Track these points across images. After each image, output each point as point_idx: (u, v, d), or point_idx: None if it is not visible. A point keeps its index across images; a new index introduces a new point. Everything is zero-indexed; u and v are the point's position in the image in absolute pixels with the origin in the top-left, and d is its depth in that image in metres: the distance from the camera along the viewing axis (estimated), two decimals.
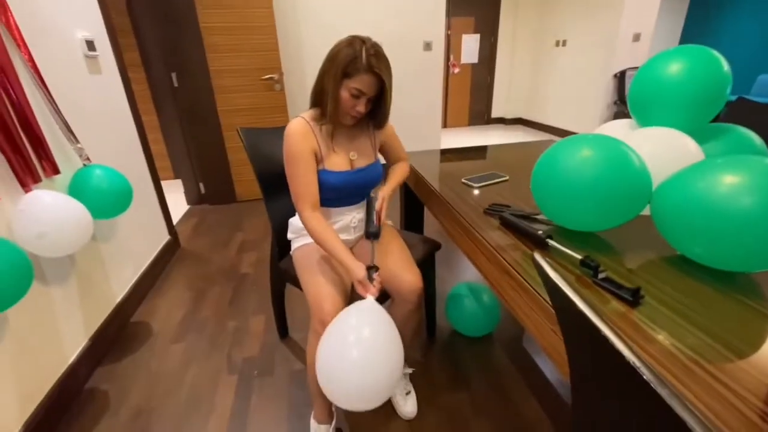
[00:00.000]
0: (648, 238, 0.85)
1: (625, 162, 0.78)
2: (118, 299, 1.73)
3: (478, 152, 1.70)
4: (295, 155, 1.08)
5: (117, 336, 1.67)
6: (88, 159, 1.49)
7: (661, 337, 0.58)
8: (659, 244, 0.82)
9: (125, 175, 1.57)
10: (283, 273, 1.35)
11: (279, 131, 1.14)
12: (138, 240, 1.99)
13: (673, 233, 0.76)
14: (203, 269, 2.21)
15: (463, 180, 1.27)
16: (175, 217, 2.94)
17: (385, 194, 1.17)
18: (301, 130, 1.09)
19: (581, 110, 4.76)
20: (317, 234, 1.07)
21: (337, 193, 1.16)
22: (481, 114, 6.24)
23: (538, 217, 0.95)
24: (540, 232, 0.82)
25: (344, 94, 1.02)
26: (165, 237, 2.33)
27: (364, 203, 1.26)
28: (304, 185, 1.08)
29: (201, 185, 3.15)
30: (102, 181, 1.47)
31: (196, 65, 2.75)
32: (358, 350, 0.83)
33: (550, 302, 0.68)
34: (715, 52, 0.94)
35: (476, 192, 1.19)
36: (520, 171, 1.38)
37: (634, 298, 0.63)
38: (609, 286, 0.67)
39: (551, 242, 0.80)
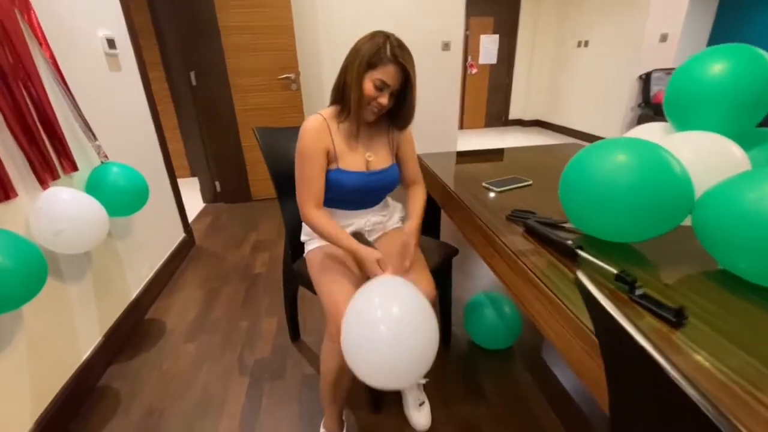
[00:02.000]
0: (688, 250, 0.79)
1: (666, 168, 0.72)
2: (134, 296, 1.74)
3: (498, 155, 1.65)
4: (306, 153, 1.06)
5: (131, 333, 1.67)
6: (105, 156, 1.49)
7: (705, 360, 0.53)
8: (700, 257, 0.75)
9: (142, 173, 1.58)
10: (296, 275, 1.32)
11: (294, 131, 1.11)
12: (154, 237, 2.00)
13: (716, 246, 0.70)
14: (217, 268, 2.21)
15: (483, 184, 1.22)
16: (191, 215, 2.96)
17: (411, 232, 1.09)
18: (316, 128, 1.06)
19: (603, 113, 4.63)
20: (323, 229, 1.06)
21: (350, 194, 1.13)
22: (498, 115, 6.13)
23: (565, 225, 0.90)
24: (569, 241, 0.77)
25: (368, 85, 1.00)
26: (180, 235, 2.34)
27: (379, 206, 1.22)
28: (308, 183, 1.07)
29: (217, 184, 3.16)
30: (119, 178, 1.47)
31: (214, 64, 2.77)
32: (388, 326, 0.77)
33: (583, 320, 0.63)
34: (762, 51, 0.88)
35: (497, 196, 1.14)
36: (544, 175, 1.32)
37: (677, 319, 0.58)
38: (648, 304, 0.62)
39: (582, 253, 0.75)
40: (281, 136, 1.31)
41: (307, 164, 1.06)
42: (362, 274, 1.12)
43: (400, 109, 1.09)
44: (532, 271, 0.77)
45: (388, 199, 1.28)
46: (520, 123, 6.16)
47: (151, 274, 1.92)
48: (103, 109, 1.63)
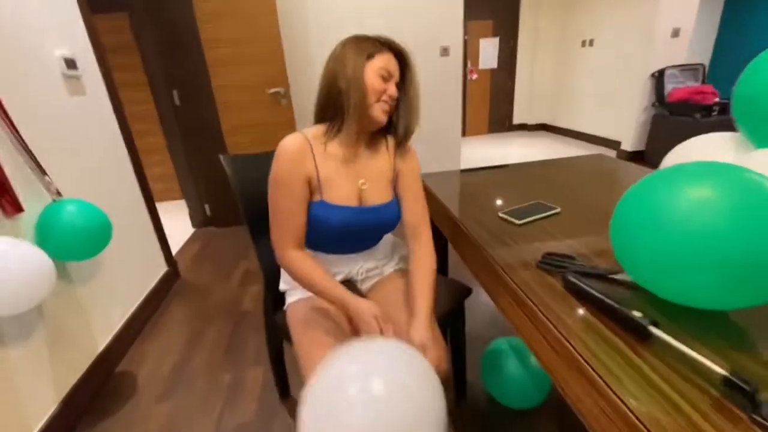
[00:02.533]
0: None
1: None
2: (101, 348, 1.53)
3: (511, 172, 1.42)
4: (282, 179, 0.85)
5: (97, 392, 1.45)
6: (58, 193, 1.29)
7: None
8: None
9: (114, 205, 1.37)
10: (278, 329, 1.10)
11: (269, 157, 0.91)
12: (128, 277, 1.79)
13: None
14: (202, 304, 2.00)
15: (500, 214, 0.99)
16: (180, 241, 2.77)
17: (422, 334, 0.81)
18: (294, 150, 0.85)
19: (613, 114, 4.39)
20: (304, 275, 0.87)
21: (337, 235, 0.91)
22: (501, 121, 5.92)
23: (617, 277, 0.67)
24: (637, 313, 0.54)
25: (372, 78, 0.84)
26: (162, 268, 2.13)
27: (373, 250, 1.00)
28: (285, 217, 0.87)
29: (206, 207, 2.97)
30: (74, 217, 1.27)
31: (197, 81, 2.59)
32: (367, 412, 0.53)
33: None
34: None
35: (519, 231, 0.92)
36: (571, 198, 1.09)
37: None
38: None
39: (657, 332, 0.52)
40: (255, 164, 1.10)
41: (284, 193, 0.85)
42: (356, 333, 0.89)
43: (400, 109, 0.92)
44: (578, 352, 0.54)
45: (386, 236, 1.06)
46: (524, 128, 5.94)
47: (124, 320, 1.70)
48: (61, 139, 1.43)
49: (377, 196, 0.94)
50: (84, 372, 1.41)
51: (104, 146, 1.72)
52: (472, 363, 1.36)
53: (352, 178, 0.91)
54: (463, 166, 3.85)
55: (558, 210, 0.99)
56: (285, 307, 1.02)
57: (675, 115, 3.49)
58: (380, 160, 0.96)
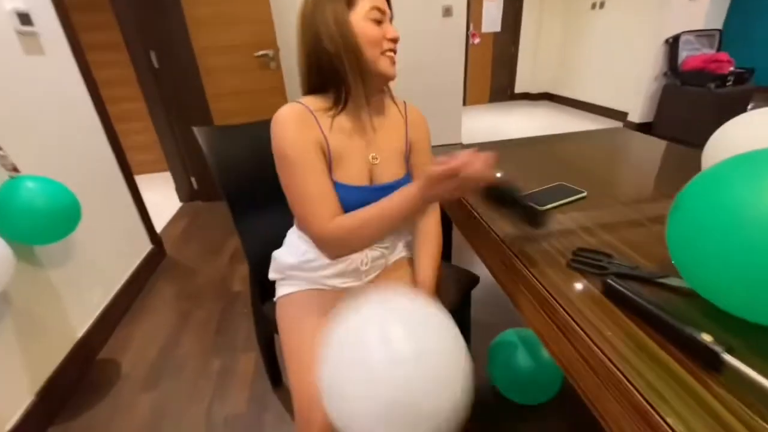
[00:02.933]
0: None
1: None
2: (80, 334, 1.43)
3: (524, 147, 1.29)
4: (291, 151, 0.69)
5: (77, 382, 1.37)
6: (15, 169, 1.14)
7: None
8: None
9: (86, 181, 1.23)
10: (267, 321, 1.00)
11: (250, 129, 0.77)
12: (108, 257, 1.67)
13: None
14: (190, 284, 1.90)
15: None
16: (167, 217, 2.63)
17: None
18: (296, 116, 0.71)
19: (621, 83, 4.18)
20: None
21: None
22: (503, 89, 5.67)
23: (668, 282, 0.56)
24: (707, 337, 0.44)
25: (365, 27, 0.70)
26: (147, 246, 2.01)
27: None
28: (311, 196, 0.70)
29: (193, 180, 2.81)
30: (35, 196, 1.13)
31: (177, 42, 2.36)
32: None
33: None
34: None
35: (543, 219, 0.80)
36: (598, 178, 0.97)
37: None
38: None
39: (730, 360, 0.42)
40: (232, 137, 0.96)
41: (300, 170, 0.70)
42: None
43: None
44: (625, 376, 0.44)
45: None
46: (527, 97, 5.70)
47: (106, 302, 1.60)
48: (17, 105, 1.26)
49: (390, 172, 0.81)
50: (61, 361, 1.32)
51: (71, 114, 1.54)
52: (476, 353, 1.28)
53: (362, 152, 0.78)
54: (464, 139, 3.69)
55: (584, 194, 0.87)
56: (276, 299, 0.91)
57: (687, 85, 3.31)
58: (391, 129, 0.83)
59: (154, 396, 1.31)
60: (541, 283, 0.61)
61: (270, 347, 1.23)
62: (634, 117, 3.80)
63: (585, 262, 0.62)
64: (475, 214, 0.86)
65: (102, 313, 1.55)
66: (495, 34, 5.27)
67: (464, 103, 5.34)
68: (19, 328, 1.17)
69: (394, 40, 0.73)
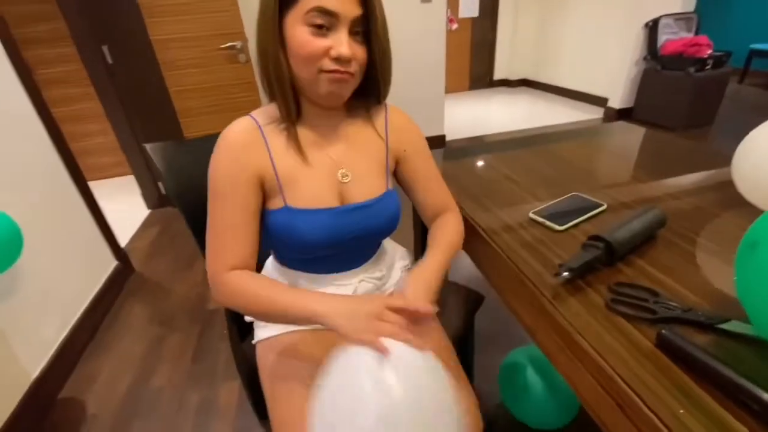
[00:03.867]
0: None
1: None
2: (35, 374, 1.26)
3: (521, 146, 1.19)
4: (221, 183, 0.61)
5: (37, 427, 1.21)
6: None
7: None
8: None
9: (28, 196, 1.06)
10: (248, 361, 0.88)
11: (210, 141, 0.64)
12: (64, 282, 1.48)
13: None
14: (162, 305, 1.73)
15: (531, 215, 0.76)
16: (133, 227, 2.42)
17: (418, 293, 0.59)
18: (237, 141, 0.61)
19: (600, 69, 4.15)
20: (245, 301, 0.60)
21: (316, 249, 0.66)
22: (483, 76, 5.57)
23: (727, 327, 0.47)
24: None
25: (299, 35, 0.55)
26: (110, 264, 1.82)
27: (369, 263, 0.76)
28: (223, 233, 0.62)
29: (160, 185, 2.60)
30: None
31: (132, 34, 2.13)
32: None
33: None
34: None
35: (563, 239, 0.70)
36: (614, 186, 0.88)
37: None
38: None
39: None
40: (190, 151, 0.82)
41: (221, 204, 0.61)
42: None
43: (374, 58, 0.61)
44: None
45: (384, 243, 0.82)
46: (506, 83, 5.63)
47: (64, 335, 1.42)
48: None
49: (366, 189, 0.68)
50: (15, 407, 1.15)
51: (8, 120, 1.34)
52: (484, 371, 1.20)
53: (327, 168, 0.66)
54: (446, 129, 3.58)
55: (604, 206, 0.77)
56: (254, 342, 0.78)
57: (667, 69, 3.30)
58: (366, 137, 0.70)
59: None
60: (577, 331, 0.51)
61: (253, 380, 1.10)
62: (615, 103, 3.78)
63: (627, 302, 0.52)
64: (481, 230, 0.75)
65: (60, 347, 1.38)
66: (473, 19, 5.14)
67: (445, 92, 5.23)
68: None
69: (341, 58, 0.55)
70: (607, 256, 0.60)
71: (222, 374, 1.36)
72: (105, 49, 2.16)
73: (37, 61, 2.70)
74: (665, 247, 0.65)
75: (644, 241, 0.66)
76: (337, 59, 0.55)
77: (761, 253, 0.40)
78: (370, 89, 0.66)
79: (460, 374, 0.70)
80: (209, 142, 0.64)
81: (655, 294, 0.53)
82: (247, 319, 0.81)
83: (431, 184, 0.75)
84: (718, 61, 3.15)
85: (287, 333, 0.73)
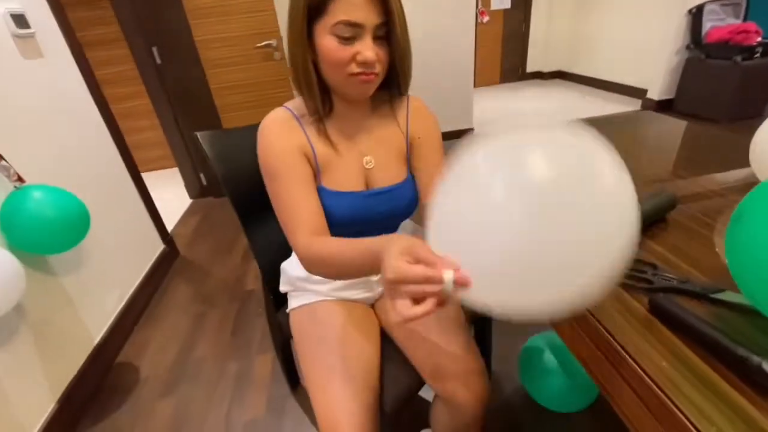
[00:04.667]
0: None
1: None
2: (97, 340, 1.43)
3: None
4: (273, 162, 0.67)
5: (98, 388, 1.37)
6: (19, 179, 1.12)
7: None
8: None
9: (92, 184, 1.21)
10: (283, 329, 0.97)
11: (254, 131, 0.72)
12: (120, 260, 1.66)
13: None
14: (204, 285, 1.89)
15: None
16: (177, 215, 2.62)
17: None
18: (278, 124, 0.69)
19: (639, 59, 3.99)
20: (324, 259, 0.62)
21: (344, 228, 0.74)
22: (515, 69, 5.48)
23: (723, 297, 0.51)
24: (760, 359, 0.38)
25: (327, 44, 0.59)
26: (159, 247, 2.00)
27: None
28: (297, 206, 0.66)
29: (202, 176, 2.79)
30: (42, 206, 1.11)
31: (178, 36, 2.30)
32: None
33: None
34: None
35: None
36: (633, 173, 0.90)
37: None
38: None
39: None
40: (238, 140, 0.92)
41: (283, 183, 0.67)
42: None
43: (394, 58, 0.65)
44: (675, 404, 0.39)
45: (404, 224, 0.89)
46: (539, 76, 5.50)
47: (121, 306, 1.60)
48: (18, 112, 1.23)
49: (388, 175, 0.75)
50: (80, 367, 1.32)
51: (73, 117, 1.51)
52: (504, 356, 1.24)
53: (354, 156, 0.73)
54: (475, 123, 3.58)
55: None
56: (288, 311, 0.88)
57: (712, 58, 3.13)
58: (388, 129, 0.76)
59: (174, 401, 1.31)
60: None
61: (287, 351, 1.20)
62: (654, 94, 3.63)
63: (628, 274, 0.56)
64: None
65: (117, 317, 1.55)
66: (505, 11, 5.06)
67: (474, 85, 5.20)
68: (36, 337, 1.17)
69: (367, 62, 0.60)
70: None
71: (257, 348, 1.48)
72: (155, 50, 2.35)
73: (95, 62, 2.95)
74: (674, 227, 0.68)
75: (654, 221, 0.69)
76: (364, 63, 0.60)
77: (744, 224, 0.44)
78: (392, 82, 0.71)
79: (469, 341, 0.75)
80: (251, 130, 0.73)
81: (654, 267, 0.57)
82: (282, 289, 0.90)
83: (436, 173, 0.79)
84: None
85: (316, 302, 0.82)
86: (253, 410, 1.24)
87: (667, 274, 0.55)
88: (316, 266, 0.65)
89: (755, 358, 0.40)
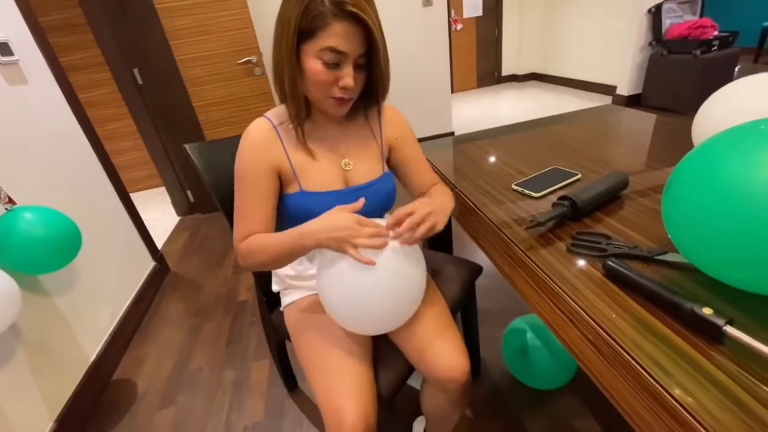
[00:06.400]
0: None
1: None
2: (93, 357, 1.44)
3: (514, 132, 1.29)
4: (242, 172, 0.75)
5: (95, 405, 1.38)
6: (10, 201, 1.14)
7: None
8: None
9: (81, 204, 1.24)
10: (277, 329, 1.01)
11: (236, 141, 0.78)
12: (112, 279, 1.67)
13: None
14: (196, 298, 1.91)
15: (514, 186, 0.88)
16: (167, 232, 2.63)
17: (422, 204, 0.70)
18: (258, 139, 0.75)
19: (607, 57, 4.18)
20: (258, 252, 0.73)
21: None
22: (490, 73, 5.65)
23: (666, 258, 0.58)
24: (707, 311, 0.45)
25: (313, 66, 0.66)
26: (149, 264, 2.01)
27: None
28: (245, 212, 0.76)
29: (189, 193, 2.81)
30: (34, 227, 1.13)
31: (159, 56, 2.34)
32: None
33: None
34: None
35: (539, 205, 0.81)
36: (590, 159, 0.98)
37: None
38: None
39: (731, 331, 0.43)
40: (222, 149, 0.97)
41: (244, 191, 0.76)
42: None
43: (369, 80, 0.74)
44: (634, 358, 0.45)
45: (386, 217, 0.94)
46: (515, 78, 5.68)
47: (114, 324, 1.61)
48: (4, 137, 1.26)
49: (365, 174, 0.82)
50: (77, 386, 1.33)
51: (60, 139, 1.54)
52: (489, 341, 1.30)
53: (333, 160, 0.80)
54: (455, 127, 3.69)
55: (578, 176, 0.87)
56: (281, 308, 0.92)
57: (673, 53, 3.31)
58: (363, 133, 0.84)
59: (173, 412, 1.32)
60: (542, 269, 0.62)
61: (282, 353, 1.24)
62: (623, 90, 3.80)
63: (584, 245, 0.63)
64: (471, 203, 0.87)
65: (111, 335, 1.56)
66: (477, 18, 5.24)
67: (452, 91, 5.33)
68: (31, 357, 1.18)
69: (346, 89, 0.68)
70: (573, 212, 0.70)
71: (253, 355, 1.51)
72: (136, 71, 2.38)
73: (77, 86, 2.97)
74: (627, 203, 0.75)
75: (609, 199, 0.76)
76: (344, 88, 0.68)
77: (672, 191, 0.51)
78: (369, 96, 0.78)
79: (451, 326, 0.80)
80: (236, 141, 0.79)
81: (607, 237, 0.64)
82: (274, 288, 0.94)
83: (419, 166, 0.89)
84: (725, 42, 3.14)
85: (306, 296, 0.86)
86: (252, 415, 1.27)
87: (618, 243, 0.62)
88: (247, 257, 0.75)
89: (687, 304, 0.47)
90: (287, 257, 0.72)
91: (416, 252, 0.73)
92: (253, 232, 0.75)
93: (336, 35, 0.63)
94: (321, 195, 0.77)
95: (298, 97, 0.71)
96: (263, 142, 0.75)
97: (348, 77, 0.67)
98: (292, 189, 0.77)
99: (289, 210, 0.78)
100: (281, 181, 0.78)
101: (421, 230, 0.66)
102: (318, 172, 0.78)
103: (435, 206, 0.70)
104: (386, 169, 0.86)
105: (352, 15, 0.62)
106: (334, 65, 0.66)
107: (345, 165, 0.80)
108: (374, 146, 0.84)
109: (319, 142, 0.79)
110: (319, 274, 0.72)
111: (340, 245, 0.64)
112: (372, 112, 0.85)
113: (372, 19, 0.63)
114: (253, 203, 0.75)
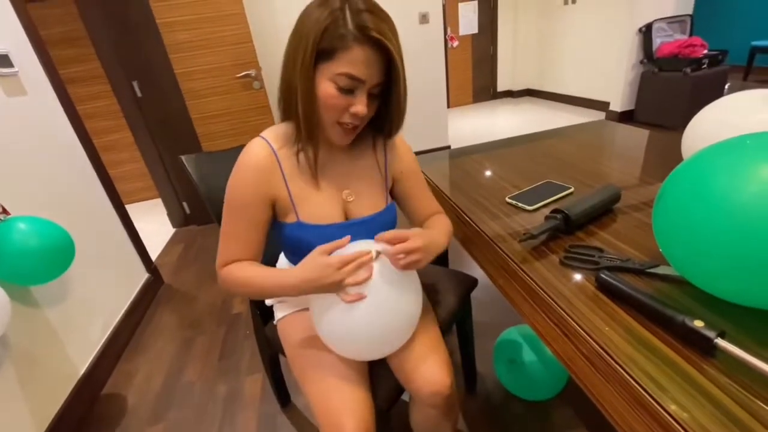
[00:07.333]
0: None
1: None
2: (82, 371, 1.41)
3: (509, 147, 1.31)
4: (236, 199, 0.71)
5: (85, 418, 1.35)
6: (4, 211, 1.14)
7: None
8: None
9: (76, 214, 1.23)
10: (271, 343, 1.00)
11: (235, 153, 0.78)
12: (105, 290, 1.65)
13: None
14: (190, 311, 1.88)
15: (508, 199, 0.89)
16: (161, 244, 2.62)
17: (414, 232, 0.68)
18: (255, 166, 0.70)
19: (600, 74, 4.27)
20: (238, 284, 0.71)
21: None
22: (486, 89, 5.74)
23: (657, 271, 0.58)
24: (698, 323, 0.45)
25: (326, 89, 0.62)
26: (143, 276, 1.99)
27: None
28: (234, 237, 0.72)
29: (185, 205, 2.80)
30: (27, 237, 1.12)
31: (159, 69, 2.37)
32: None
33: None
34: None
35: (532, 218, 0.81)
36: (584, 173, 0.99)
37: None
38: None
39: (723, 344, 0.43)
40: (218, 161, 0.97)
41: (234, 215, 0.72)
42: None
43: (383, 111, 0.71)
44: (627, 371, 0.45)
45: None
46: (510, 94, 5.78)
47: (105, 336, 1.58)
48: (1, 148, 1.26)
49: (367, 206, 0.78)
50: (66, 399, 1.30)
51: (57, 151, 1.54)
52: (481, 352, 1.29)
53: (333, 189, 0.75)
54: (451, 141, 3.73)
55: (571, 189, 0.88)
56: (275, 322, 0.91)
57: (664, 71, 3.38)
58: (368, 163, 0.79)
59: (163, 428, 1.29)
60: (535, 282, 0.62)
61: (275, 367, 1.22)
62: (616, 106, 3.87)
63: (577, 258, 0.63)
64: (466, 216, 0.87)
65: (102, 348, 1.53)
66: (473, 35, 5.36)
67: (448, 105, 5.40)
68: (20, 370, 1.16)
69: (356, 117, 0.64)
70: (565, 226, 0.71)
71: (246, 369, 1.48)
72: (135, 84, 2.41)
73: (76, 98, 2.99)
74: (619, 217, 0.76)
75: (602, 213, 0.76)
76: (354, 115, 0.65)
77: (662, 204, 0.52)
78: (380, 127, 0.74)
79: (439, 345, 0.78)
80: (233, 153, 0.78)
81: (600, 250, 0.64)
82: (268, 302, 0.93)
83: (423, 197, 0.86)
84: (714, 60, 3.22)
85: (299, 310, 0.86)
86: (244, 430, 1.24)
87: (610, 256, 0.62)
88: (228, 285, 0.72)
89: (679, 316, 0.47)
90: (269, 297, 0.72)
91: (409, 275, 0.71)
92: (237, 259, 0.72)
93: (355, 61, 0.60)
94: (319, 228, 0.73)
95: (312, 120, 0.66)
96: (261, 171, 0.70)
97: (361, 105, 0.63)
98: (290, 219, 0.73)
99: (286, 239, 0.76)
100: (276, 210, 0.74)
101: (403, 263, 0.64)
102: (317, 203, 0.73)
103: (427, 243, 0.67)
104: (389, 200, 0.82)
105: (376, 41, 0.59)
106: (348, 91, 0.62)
107: (347, 196, 0.76)
108: (378, 178, 0.80)
109: (320, 170, 0.74)
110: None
111: (325, 291, 0.64)
112: (379, 142, 0.81)
113: (395, 48, 0.61)
114: (240, 229, 0.72)
